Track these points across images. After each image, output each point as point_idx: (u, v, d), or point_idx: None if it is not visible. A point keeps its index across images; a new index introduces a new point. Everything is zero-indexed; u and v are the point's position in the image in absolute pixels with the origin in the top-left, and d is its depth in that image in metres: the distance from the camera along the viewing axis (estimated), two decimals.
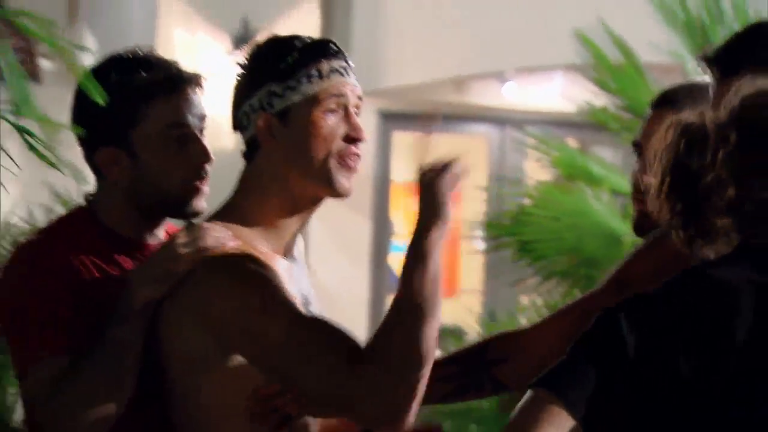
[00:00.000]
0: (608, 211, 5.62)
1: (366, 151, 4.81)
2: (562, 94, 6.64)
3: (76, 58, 2.92)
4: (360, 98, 2.53)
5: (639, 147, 2.85)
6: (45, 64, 6.42)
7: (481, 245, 6.57)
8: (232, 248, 2.42)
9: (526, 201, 5.71)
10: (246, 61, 2.53)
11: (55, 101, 3.40)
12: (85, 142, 2.69)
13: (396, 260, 9.38)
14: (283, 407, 2.48)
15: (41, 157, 2.91)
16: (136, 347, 2.52)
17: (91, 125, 2.65)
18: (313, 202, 2.53)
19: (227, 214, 2.53)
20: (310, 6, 7.92)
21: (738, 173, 2.14)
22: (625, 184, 5.59)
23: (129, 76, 2.65)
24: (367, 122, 3.62)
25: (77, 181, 2.99)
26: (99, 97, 2.58)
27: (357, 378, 2.31)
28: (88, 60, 3.21)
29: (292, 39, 2.51)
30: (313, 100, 2.47)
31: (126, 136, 2.63)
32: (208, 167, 2.66)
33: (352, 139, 2.49)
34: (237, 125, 2.54)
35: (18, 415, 4.29)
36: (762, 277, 2.11)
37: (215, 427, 2.47)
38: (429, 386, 2.77)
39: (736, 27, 5.15)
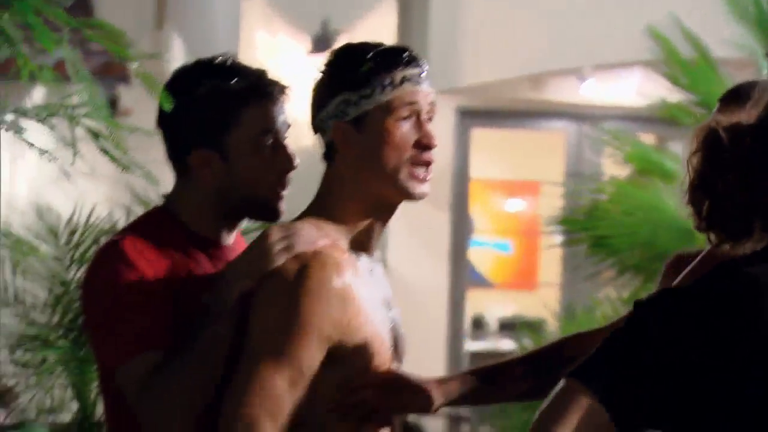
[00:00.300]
0: (681, 206, 5.54)
1: (445, 147, 4.66)
2: (638, 90, 6.63)
3: (150, 65, 2.98)
4: (433, 104, 2.57)
5: None
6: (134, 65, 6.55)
7: (558, 240, 6.57)
8: (321, 248, 2.47)
9: (602, 196, 5.72)
10: (322, 70, 2.57)
11: (144, 102, 3.47)
12: (176, 144, 2.72)
13: (475, 255, 9.42)
14: (367, 401, 2.53)
15: (113, 159, 3.14)
16: (227, 341, 2.56)
17: (185, 128, 2.69)
18: (390, 205, 2.59)
19: (314, 212, 2.58)
20: (388, 6, 7.92)
21: (751, 177, 2.13)
22: None
23: (224, 81, 2.69)
24: (445, 119, 3.60)
25: (149, 182, 3.11)
26: (167, 104, 2.64)
27: None
28: (173, 64, 3.28)
29: (365, 48, 2.55)
30: (387, 108, 2.51)
31: (221, 140, 2.67)
32: (291, 171, 2.71)
33: (423, 145, 2.52)
34: (316, 130, 2.59)
35: (100, 409, 4.37)
36: None
37: (299, 419, 2.51)
38: (506, 385, 2.81)
39: None
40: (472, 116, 8.03)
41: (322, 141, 2.57)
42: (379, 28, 7.74)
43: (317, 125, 2.57)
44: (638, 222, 5.65)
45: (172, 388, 2.56)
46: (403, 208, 2.73)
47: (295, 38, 7.47)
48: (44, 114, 3.32)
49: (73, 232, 4.30)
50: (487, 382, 2.76)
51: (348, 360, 2.53)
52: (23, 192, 6.38)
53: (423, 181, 2.53)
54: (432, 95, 2.56)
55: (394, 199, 2.57)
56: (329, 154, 2.57)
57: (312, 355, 2.49)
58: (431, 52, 7.68)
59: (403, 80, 2.50)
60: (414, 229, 7.47)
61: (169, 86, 2.72)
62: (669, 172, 5.77)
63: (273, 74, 2.73)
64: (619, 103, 7.85)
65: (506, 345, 8.29)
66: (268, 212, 2.72)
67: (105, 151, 3.22)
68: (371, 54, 2.50)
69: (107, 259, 2.68)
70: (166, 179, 3.00)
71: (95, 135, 3.25)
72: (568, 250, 7.73)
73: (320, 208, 2.59)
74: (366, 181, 2.56)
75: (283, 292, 2.48)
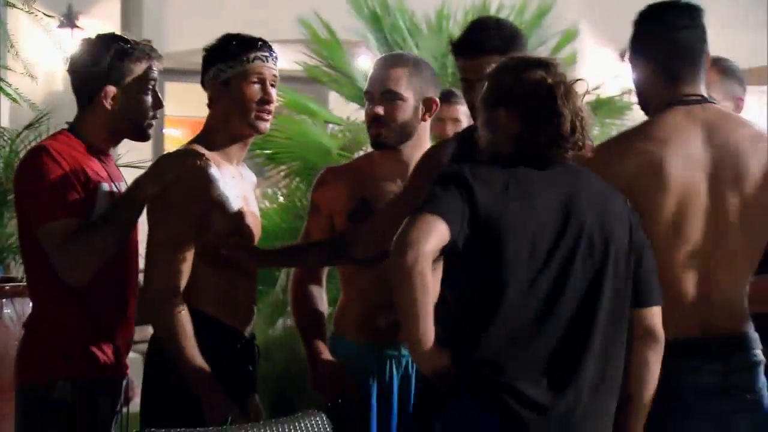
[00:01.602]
0: (322, 133, 6.45)
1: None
2: (293, 59, 6.78)
3: None
4: (275, 76, 3.01)
5: (392, 93, 3.29)
6: None
7: None
8: (199, 165, 2.90)
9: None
10: (207, 48, 3.04)
11: None
12: (88, 83, 3.11)
13: None
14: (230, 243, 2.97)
15: (7, 95, 3.98)
16: (134, 222, 3.03)
17: (100, 73, 3.09)
18: (245, 137, 3.06)
19: (198, 140, 3.03)
20: None
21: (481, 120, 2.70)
22: (331, 116, 6.61)
23: (126, 45, 3.13)
24: None
25: (32, 109, 3.89)
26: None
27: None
28: None
29: (234, 36, 3.01)
30: (242, 75, 2.97)
31: (123, 82, 3.11)
32: (160, 109, 3.18)
33: (265, 100, 3.00)
34: (204, 87, 3.07)
35: None
36: (500, 170, 2.61)
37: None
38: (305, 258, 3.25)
39: (400, 18, 6.47)
40: (167, 73, 8.70)
41: (208, 95, 3.04)
42: (109, 10, 8.35)
43: (204, 84, 3.05)
44: (296, 145, 6.31)
45: (93, 241, 2.95)
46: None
47: (48, 17, 7.21)
48: None
49: None
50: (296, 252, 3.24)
51: (215, 225, 2.99)
52: None
53: (265, 121, 2.99)
54: (275, 69, 3.00)
55: (246, 132, 3.02)
56: (210, 104, 3.04)
57: (190, 221, 2.93)
58: (145, 27, 8.34)
59: (255, 59, 2.97)
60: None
61: (85, 48, 3.14)
62: (313, 111, 6.53)
63: (153, 43, 3.17)
64: (281, 69, 8.58)
65: None
66: (143, 134, 3.16)
67: (1, 89, 4.03)
68: (236, 41, 2.98)
69: (36, 155, 3.07)
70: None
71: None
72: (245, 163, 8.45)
73: (201, 137, 3.04)
74: (229, 121, 2.99)
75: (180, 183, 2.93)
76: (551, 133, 2.60)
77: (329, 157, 6.32)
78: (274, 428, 2.57)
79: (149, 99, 3.12)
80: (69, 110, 3.12)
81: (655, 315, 2.70)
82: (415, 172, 3.15)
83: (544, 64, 2.63)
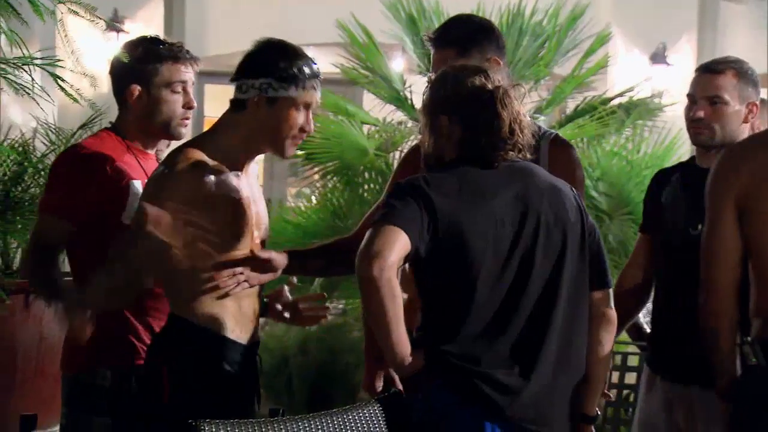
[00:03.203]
0: (359, 134, 6.55)
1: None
2: (332, 62, 6.82)
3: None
4: (318, 103, 2.84)
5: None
6: None
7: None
8: (188, 166, 2.73)
9: None
10: (258, 48, 2.84)
11: None
12: (119, 83, 3.14)
13: None
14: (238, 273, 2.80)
15: (68, 95, 3.36)
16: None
17: (128, 73, 3.12)
18: (262, 152, 2.90)
19: (204, 139, 2.85)
20: (157, 1, 8.76)
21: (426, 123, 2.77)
22: (369, 118, 6.68)
23: (153, 46, 3.14)
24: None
25: (92, 108, 3.49)
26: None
27: None
28: None
29: (295, 54, 2.81)
30: (293, 101, 2.79)
31: (149, 81, 3.12)
32: (190, 109, 3.14)
33: (304, 129, 2.83)
34: (235, 84, 2.83)
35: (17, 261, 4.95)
36: (453, 170, 2.68)
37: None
38: (309, 265, 3.14)
39: (435, 21, 6.39)
40: (207, 75, 8.44)
41: (236, 94, 2.83)
42: (152, 15, 8.48)
43: (239, 85, 2.82)
44: (333, 144, 6.43)
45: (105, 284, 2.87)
46: None
47: (94, 20, 7.88)
48: (20, 62, 3.52)
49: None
50: (301, 259, 3.05)
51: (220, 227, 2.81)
52: None
53: (295, 147, 2.84)
54: (320, 98, 2.86)
55: (269, 151, 2.87)
56: (236, 107, 2.83)
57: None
58: (187, 33, 8.42)
59: (309, 86, 2.80)
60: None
61: (120, 51, 3.16)
62: (351, 113, 6.63)
63: (187, 47, 3.16)
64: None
65: None
66: (173, 133, 3.16)
67: (62, 89, 3.42)
68: (298, 61, 2.79)
69: (65, 153, 3.19)
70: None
71: (58, 77, 3.50)
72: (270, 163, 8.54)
73: (211, 137, 2.86)
74: (259, 137, 2.83)
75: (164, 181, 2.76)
76: (491, 137, 2.67)
77: (366, 158, 6.42)
78: (329, 419, 2.56)
79: (176, 99, 3.14)
80: (115, 111, 3.19)
81: (608, 297, 2.78)
82: None
83: (483, 71, 2.71)
